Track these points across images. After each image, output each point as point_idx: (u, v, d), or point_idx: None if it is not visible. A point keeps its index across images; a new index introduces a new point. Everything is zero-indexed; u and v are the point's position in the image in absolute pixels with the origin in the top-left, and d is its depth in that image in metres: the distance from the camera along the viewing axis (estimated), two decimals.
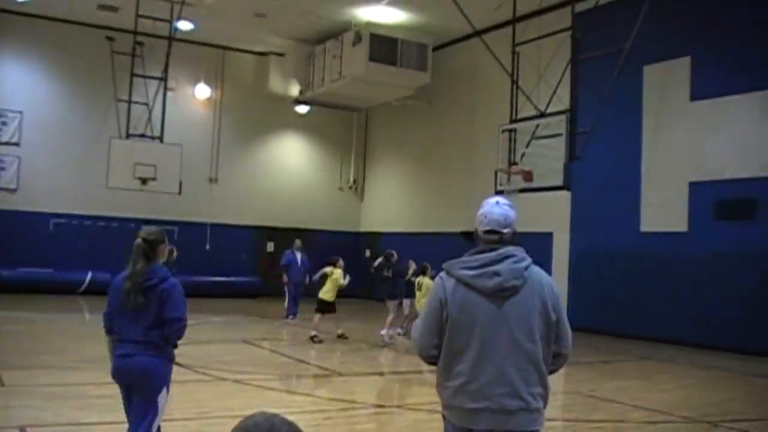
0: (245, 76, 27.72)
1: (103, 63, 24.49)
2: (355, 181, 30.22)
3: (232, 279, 26.28)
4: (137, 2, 21.60)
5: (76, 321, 18.79)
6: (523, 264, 3.81)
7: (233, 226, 27.03)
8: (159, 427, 5.50)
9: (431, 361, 3.93)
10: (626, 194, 19.06)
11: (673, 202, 18.08)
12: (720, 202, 17.13)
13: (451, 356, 3.80)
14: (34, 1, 23.08)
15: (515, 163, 17.36)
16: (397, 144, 28.53)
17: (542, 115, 17.27)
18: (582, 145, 16.11)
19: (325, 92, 25.37)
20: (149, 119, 23.14)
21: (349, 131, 30.16)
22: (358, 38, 22.86)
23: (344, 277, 16.40)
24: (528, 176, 16.69)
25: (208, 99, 26.94)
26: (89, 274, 23.84)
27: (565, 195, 18.97)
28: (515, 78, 18.36)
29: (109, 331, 5.54)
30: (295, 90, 27.03)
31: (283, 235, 27.66)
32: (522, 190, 16.58)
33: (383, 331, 16.08)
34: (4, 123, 24.05)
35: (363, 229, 29.99)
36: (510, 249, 3.84)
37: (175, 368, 11.64)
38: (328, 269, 16.58)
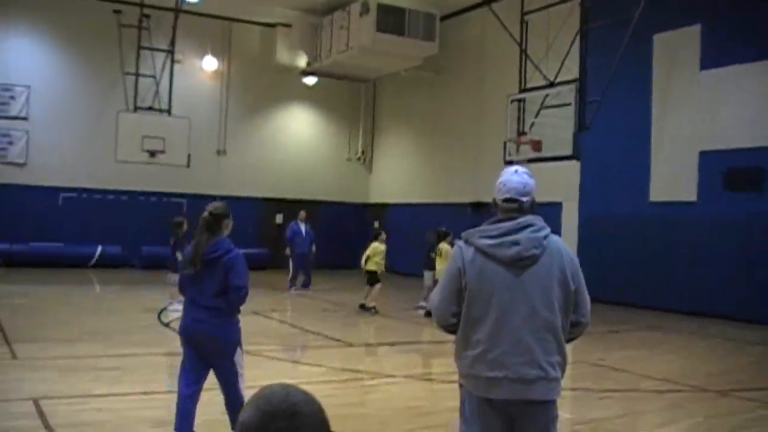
0: (252, 48, 27.60)
1: (109, 36, 24.36)
2: (363, 153, 30.16)
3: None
4: None
5: (86, 294, 18.87)
6: (542, 233, 3.80)
7: (242, 198, 27.00)
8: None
9: (450, 329, 3.93)
10: (635, 164, 18.98)
11: (682, 171, 18.00)
12: (729, 172, 17.04)
13: (470, 325, 3.80)
14: None
15: (524, 133, 17.31)
16: (406, 115, 28.43)
17: (551, 84, 17.19)
18: (591, 114, 16.05)
19: (332, 63, 25.24)
20: (157, 92, 23.08)
21: (357, 102, 30.06)
22: (365, 9, 22.71)
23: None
24: (537, 146, 16.66)
25: (216, 71, 26.85)
26: (99, 248, 23.94)
27: (574, 165, 18.92)
28: (524, 47, 18.27)
29: (182, 292, 6.22)
30: (302, 61, 26.91)
31: (292, 207, 27.65)
32: (531, 160, 16.53)
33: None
34: (12, 97, 24.01)
35: (371, 200, 29.98)
36: (529, 218, 3.82)
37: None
38: (374, 246, 16.52)
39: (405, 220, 27.10)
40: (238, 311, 6.07)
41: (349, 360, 11.23)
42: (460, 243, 3.92)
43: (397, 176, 28.70)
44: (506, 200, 3.88)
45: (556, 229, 3.80)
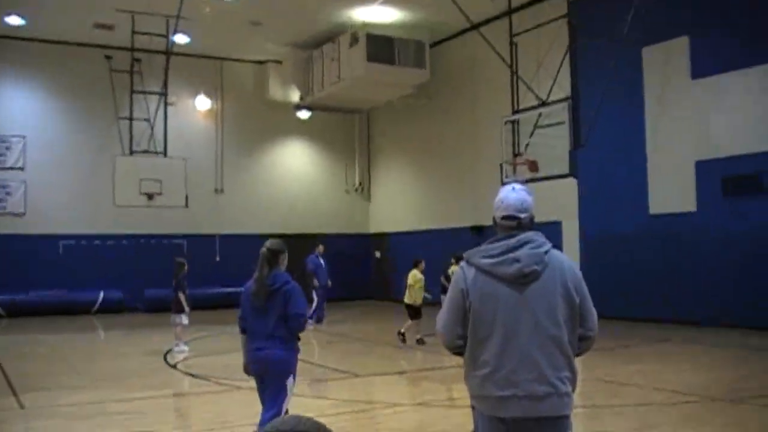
0: (245, 86, 27.73)
1: (102, 81, 24.51)
2: (361, 183, 30.19)
3: (243, 289, 26.20)
4: (132, 18, 21.66)
5: (91, 340, 18.80)
6: (543, 249, 3.78)
7: (242, 236, 26.99)
8: (287, 410, 6.49)
9: (457, 351, 3.91)
10: (633, 177, 19.00)
11: (679, 182, 18.01)
12: (727, 179, 17.05)
13: (476, 345, 3.78)
14: (30, 25, 23.09)
15: (519, 154, 17.36)
16: (401, 143, 28.49)
17: (544, 103, 17.25)
18: (586, 131, 16.10)
19: (325, 96, 25.35)
20: (152, 134, 23.18)
21: (352, 133, 30.14)
22: (354, 39, 22.86)
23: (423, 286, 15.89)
24: (533, 166, 16.69)
25: (209, 110, 26.96)
26: (101, 294, 23.91)
27: (572, 182, 18.93)
28: (515, 68, 18.36)
29: (243, 331, 6.69)
30: (295, 96, 27.03)
31: (292, 242, 27.59)
32: (528, 181, 16.54)
33: None
34: (7, 148, 24.11)
35: (371, 230, 29.97)
36: (529, 234, 3.81)
37: (193, 380, 11.73)
38: (413, 274, 16.04)
39: (407, 248, 27.06)
40: (298, 338, 6.63)
41: (357, 391, 11.16)
42: (462, 264, 3.91)
43: (396, 205, 28.71)
44: (505, 218, 3.87)
45: (558, 248, 3.80)
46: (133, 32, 21.81)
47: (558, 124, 16.49)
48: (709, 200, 17.41)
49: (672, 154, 18.25)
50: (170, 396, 11.22)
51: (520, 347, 3.68)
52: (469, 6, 18.77)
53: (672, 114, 18.32)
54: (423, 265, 16.13)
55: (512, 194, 3.90)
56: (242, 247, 26.85)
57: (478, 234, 22.55)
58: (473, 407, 3.93)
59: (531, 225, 3.87)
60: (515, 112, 18.03)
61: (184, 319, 15.06)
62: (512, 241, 3.78)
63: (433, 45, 24.48)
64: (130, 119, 23.04)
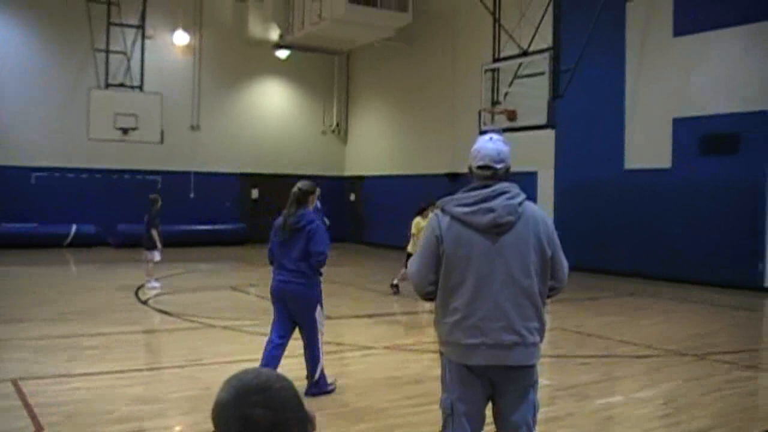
0: (224, 22, 27.33)
1: (78, 12, 24.01)
2: (338, 125, 30.05)
3: (217, 227, 26.24)
4: None
5: (62, 273, 18.73)
6: (518, 200, 3.80)
7: (217, 174, 26.90)
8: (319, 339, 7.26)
9: (428, 297, 3.95)
10: (610, 132, 19.06)
11: (656, 138, 18.09)
12: (703, 138, 17.13)
13: (447, 292, 3.82)
14: None
15: (498, 103, 17.30)
16: (380, 86, 28.33)
17: (525, 53, 17.15)
18: (565, 83, 16.04)
19: (305, 36, 25.03)
20: (128, 68, 22.91)
21: (331, 75, 29.90)
22: None
23: None
24: (512, 115, 16.65)
25: (187, 46, 26.56)
26: (74, 227, 23.75)
27: (549, 134, 18.92)
28: (497, 17, 18.20)
29: (271, 262, 7.25)
30: (274, 34, 26.69)
31: (268, 181, 27.60)
32: (506, 130, 16.50)
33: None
34: None
35: (347, 172, 29.92)
36: (504, 185, 3.83)
37: (164, 317, 11.77)
38: (417, 222, 15.15)
39: (382, 192, 27.12)
40: (320, 273, 7.16)
41: (328, 332, 11.20)
42: (436, 211, 3.92)
43: (373, 148, 28.64)
44: (481, 167, 3.88)
45: (532, 198, 3.83)
46: None
47: (538, 74, 16.41)
48: (685, 158, 17.51)
49: (650, 109, 18.30)
50: (140, 332, 11.23)
51: (490, 296, 3.72)
52: None
53: (652, 70, 18.33)
54: (429, 212, 15.09)
55: (489, 144, 3.90)
56: (217, 185, 26.81)
57: (454, 181, 22.59)
58: (441, 353, 3.98)
59: (507, 176, 3.89)
60: (496, 60, 17.91)
61: (156, 256, 15.03)
62: (487, 191, 3.79)
63: None
64: (107, 52, 22.73)
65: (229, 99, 27.60)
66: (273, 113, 28.62)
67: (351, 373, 8.08)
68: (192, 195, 26.41)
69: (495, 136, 3.96)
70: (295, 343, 9.48)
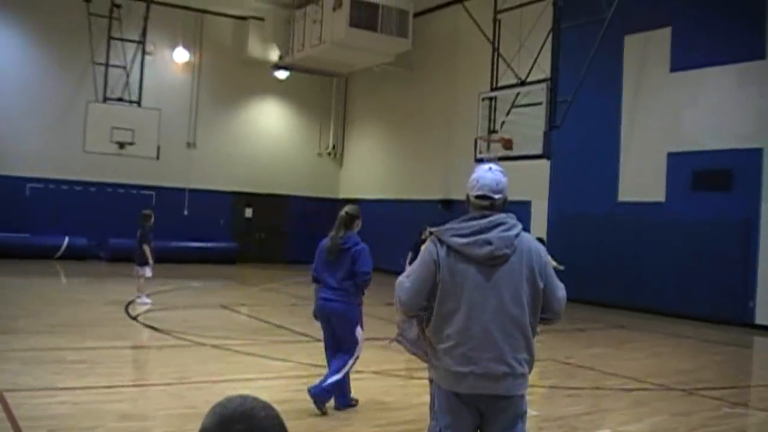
0: (224, 41, 27.44)
1: (79, 25, 24.05)
2: (334, 147, 30.10)
3: (210, 244, 26.20)
4: None
5: (52, 285, 18.67)
6: (514, 232, 3.83)
7: (211, 192, 26.90)
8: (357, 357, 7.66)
9: (410, 314, 4.01)
10: (605, 164, 19.14)
11: (650, 172, 18.17)
12: (697, 173, 17.23)
13: (441, 319, 3.83)
14: None
15: (495, 131, 17.36)
16: (377, 110, 28.42)
17: (523, 83, 17.25)
18: (562, 114, 16.12)
19: (304, 57, 25.11)
20: (127, 83, 22.92)
21: (329, 97, 29.99)
22: (338, 3, 22.63)
23: None
24: (508, 144, 16.71)
25: (187, 63, 26.64)
26: (66, 239, 23.70)
27: (544, 164, 18.98)
28: (496, 46, 18.31)
29: (315, 281, 7.65)
30: (274, 55, 26.78)
31: (262, 201, 27.61)
32: (501, 159, 16.56)
33: None
34: None
35: (341, 195, 29.92)
36: (501, 216, 3.85)
37: (153, 333, 11.74)
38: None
39: (375, 216, 27.08)
40: (363, 294, 7.60)
41: (317, 355, 11.17)
42: (432, 239, 3.93)
43: (368, 172, 28.69)
44: (479, 197, 3.90)
45: (526, 228, 3.84)
46: None
47: (535, 104, 16.50)
48: (678, 192, 17.59)
49: (645, 143, 18.40)
50: (129, 348, 11.20)
51: (482, 326, 3.74)
52: None
53: (648, 104, 18.45)
54: (427, 232, 15.58)
55: (488, 174, 3.93)
56: (211, 203, 26.80)
57: (448, 208, 22.62)
58: (431, 381, 3.99)
59: (504, 206, 3.91)
60: (494, 89, 18.01)
61: (148, 272, 15.00)
62: (484, 222, 3.81)
63: (417, 15, 24.32)
64: (106, 65, 22.77)
65: (226, 117, 27.65)
66: (269, 133, 28.67)
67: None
68: (186, 212, 26.39)
69: (494, 167, 3.99)
70: (283, 365, 9.49)
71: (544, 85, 16.38)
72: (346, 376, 7.62)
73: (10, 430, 6.34)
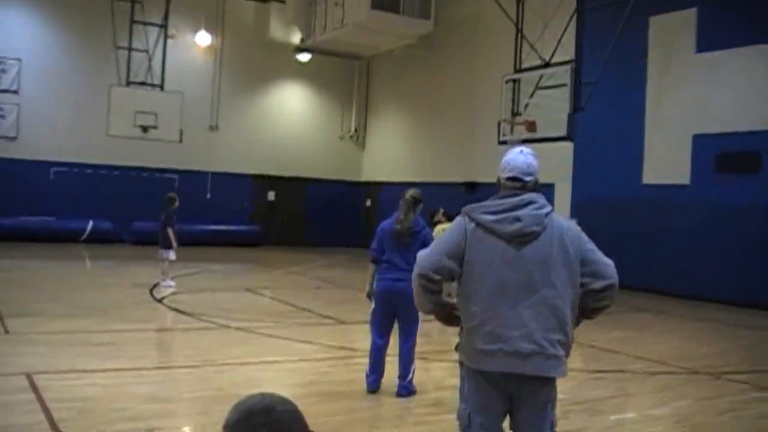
0: (246, 24, 27.41)
1: (102, 9, 24.08)
2: (356, 130, 30.07)
3: (232, 228, 26.28)
4: None
5: (77, 269, 18.83)
6: (544, 210, 3.81)
7: (234, 175, 26.97)
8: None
9: (428, 284, 3.84)
10: (629, 146, 18.96)
11: (675, 154, 18.00)
12: (723, 155, 17.04)
13: (469, 297, 3.81)
14: None
15: (519, 114, 17.28)
16: (399, 93, 28.33)
17: (547, 65, 17.15)
18: (586, 96, 16.04)
19: (326, 40, 25.09)
20: (149, 67, 23.00)
21: (351, 80, 29.93)
22: None
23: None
24: (531, 127, 16.65)
25: (209, 46, 26.63)
26: (90, 223, 23.84)
27: (568, 146, 18.88)
28: (520, 27, 18.20)
29: (374, 261, 7.84)
30: (296, 37, 26.77)
31: (284, 184, 27.67)
32: (525, 141, 16.51)
33: None
34: (3, 71, 23.77)
35: (364, 178, 29.93)
36: (532, 195, 3.84)
37: (178, 316, 11.80)
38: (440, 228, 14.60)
39: (397, 199, 27.03)
40: None
41: (342, 337, 11.23)
42: (463, 216, 3.91)
43: (391, 155, 28.64)
44: (510, 179, 3.89)
45: None
46: None
47: (559, 86, 16.44)
48: (704, 174, 17.42)
49: (670, 125, 18.21)
50: (154, 330, 11.28)
51: (510, 304, 3.71)
52: None
53: (673, 85, 18.24)
54: (440, 215, 15.08)
55: (519, 157, 3.92)
56: (233, 186, 26.87)
57: (471, 190, 22.56)
58: (461, 363, 3.96)
59: (535, 188, 3.90)
60: (517, 71, 17.93)
61: (172, 255, 15.05)
62: (515, 200, 3.80)
63: None
64: (129, 49, 22.84)
65: (248, 100, 27.66)
66: (291, 116, 28.66)
67: (357, 380, 8.04)
68: (209, 195, 26.47)
69: (525, 149, 3.98)
70: (308, 347, 9.51)
71: (568, 67, 16.31)
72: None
73: (40, 411, 6.39)
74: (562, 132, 16.24)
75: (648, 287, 18.07)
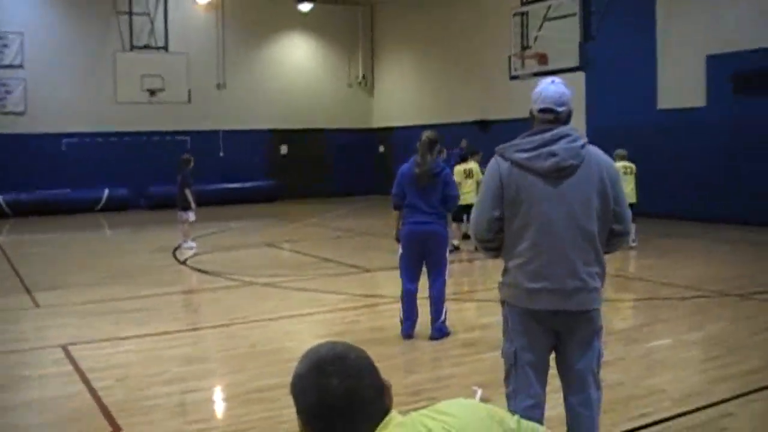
0: None
1: None
2: (364, 77, 29.81)
3: (248, 184, 26.25)
4: None
5: (98, 238, 18.89)
6: (579, 143, 3.73)
7: (245, 131, 26.85)
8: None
9: (486, 245, 3.89)
10: (642, 72, 18.68)
11: (689, 77, 17.73)
12: (738, 75, 16.76)
13: (511, 236, 3.77)
14: None
15: (528, 47, 17.06)
16: (405, 36, 28.00)
17: None
18: (596, 24, 15.77)
19: None
20: (152, 29, 22.84)
21: (355, 26, 29.58)
22: None
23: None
24: (542, 60, 16.45)
25: (210, 3, 26.27)
26: (106, 191, 23.87)
27: (580, 76, 18.63)
28: None
29: (397, 207, 7.78)
30: None
31: (296, 137, 27.56)
32: (536, 74, 16.31)
33: None
34: (5, 45, 23.59)
35: (375, 124, 29.76)
36: (565, 128, 3.75)
37: (203, 276, 11.83)
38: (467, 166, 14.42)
39: (411, 144, 26.83)
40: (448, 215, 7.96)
41: (367, 285, 11.24)
42: (495, 157, 3.84)
43: (401, 99, 28.42)
44: (542, 110, 3.80)
45: None
46: None
47: (567, 16, 16.17)
48: (720, 96, 17.16)
49: (683, 46, 17.89)
50: (182, 293, 11.32)
51: (553, 241, 3.67)
52: None
53: (684, 6, 17.89)
54: (472, 159, 14.64)
55: (551, 87, 3.84)
56: (246, 142, 26.78)
57: (484, 129, 22.39)
58: (503, 303, 3.92)
59: (568, 119, 3.82)
60: (524, 3, 17.65)
61: (191, 216, 15.05)
62: (548, 135, 3.72)
63: None
64: (130, 14, 22.66)
65: (253, 55, 27.42)
66: (298, 68, 28.43)
67: (388, 327, 8.05)
68: (221, 153, 26.40)
69: (557, 80, 3.90)
70: (335, 297, 9.55)
71: None
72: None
73: (80, 382, 6.43)
74: (574, 63, 16.04)
75: (669, 213, 17.96)
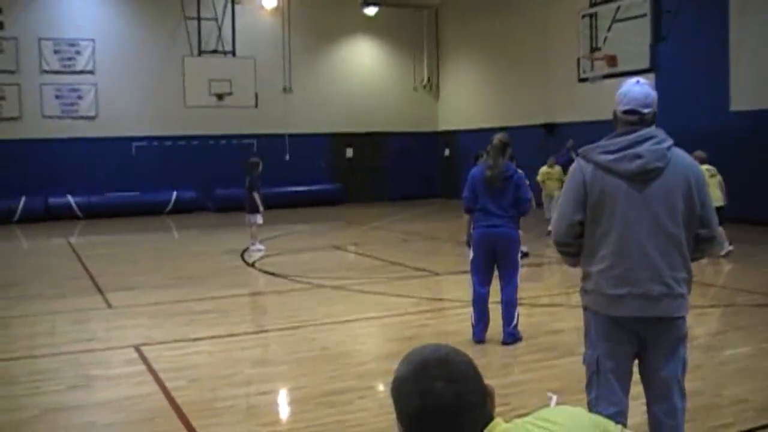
0: None
1: None
2: (429, 80, 29.73)
3: (313, 187, 26.37)
4: None
5: (167, 240, 19.15)
6: (665, 145, 3.63)
7: (311, 135, 26.97)
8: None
9: (565, 249, 3.81)
10: (714, 72, 18.26)
11: (764, 77, 17.27)
12: None
13: (594, 240, 3.68)
14: None
15: (598, 49, 16.81)
16: (470, 38, 27.84)
17: None
18: (667, 24, 15.46)
19: None
20: (219, 34, 23.07)
21: (420, 29, 29.51)
22: None
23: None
24: (612, 61, 16.19)
25: (276, 8, 26.47)
26: (174, 194, 24.20)
27: (651, 78, 18.28)
28: None
29: (468, 211, 7.73)
30: None
31: (361, 140, 27.61)
32: (606, 76, 16.06)
33: None
34: (77, 52, 24.12)
35: (440, 128, 29.66)
36: (650, 130, 3.65)
37: (272, 279, 11.90)
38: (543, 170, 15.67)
39: (475, 147, 26.69)
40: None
41: (436, 289, 11.18)
42: (579, 159, 3.75)
43: (466, 102, 28.26)
44: (627, 112, 3.70)
45: None
46: None
47: (638, 17, 15.88)
48: None
49: (758, 44, 17.43)
50: (251, 295, 11.38)
51: (638, 245, 3.57)
52: None
53: (759, 4, 17.44)
54: (552, 159, 15.82)
55: (636, 87, 3.72)
56: (311, 146, 26.92)
57: (551, 132, 22.15)
58: (585, 308, 3.82)
59: (653, 121, 3.70)
60: (593, 4, 17.39)
61: (259, 219, 15.16)
62: (632, 137, 3.61)
63: None
64: (198, 19, 22.91)
65: (319, 59, 27.55)
66: (363, 71, 28.47)
67: (458, 331, 7.96)
68: (287, 157, 26.56)
69: (642, 80, 3.79)
70: (406, 301, 9.48)
71: None
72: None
73: (153, 382, 6.49)
74: (644, 64, 15.72)
75: (743, 218, 17.52)
